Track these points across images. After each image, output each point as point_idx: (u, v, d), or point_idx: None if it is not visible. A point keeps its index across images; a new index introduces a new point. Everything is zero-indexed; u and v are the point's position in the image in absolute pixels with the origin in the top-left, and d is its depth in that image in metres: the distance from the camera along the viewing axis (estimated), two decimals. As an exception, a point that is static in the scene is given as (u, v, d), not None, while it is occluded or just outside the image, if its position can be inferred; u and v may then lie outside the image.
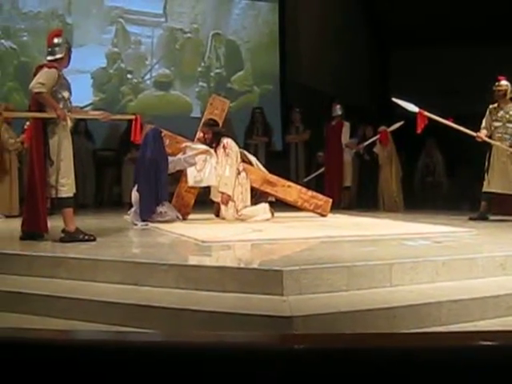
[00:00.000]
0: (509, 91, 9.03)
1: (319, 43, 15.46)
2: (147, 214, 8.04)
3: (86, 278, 5.18)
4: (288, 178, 10.07)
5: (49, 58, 6.50)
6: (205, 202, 9.31)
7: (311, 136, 13.15)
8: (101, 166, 13.03)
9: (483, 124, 9.10)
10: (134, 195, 8.25)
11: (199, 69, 14.66)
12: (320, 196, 9.23)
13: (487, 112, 9.15)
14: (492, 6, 14.02)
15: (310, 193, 9.15)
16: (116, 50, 13.95)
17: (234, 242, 6.31)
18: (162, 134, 8.54)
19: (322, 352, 1.53)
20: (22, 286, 5.14)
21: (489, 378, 1.48)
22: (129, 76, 14.09)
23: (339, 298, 4.49)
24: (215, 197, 8.76)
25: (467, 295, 4.62)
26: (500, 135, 9.01)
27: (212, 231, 7.17)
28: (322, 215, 9.01)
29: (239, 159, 8.75)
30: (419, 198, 12.85)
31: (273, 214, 8.74)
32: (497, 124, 9.04)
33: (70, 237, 6.29)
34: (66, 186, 6.36)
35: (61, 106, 6.31)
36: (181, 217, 8.46)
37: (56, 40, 6.55)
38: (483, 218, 8.88)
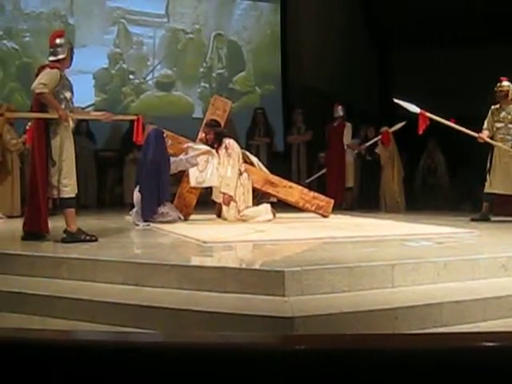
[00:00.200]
0: (511, 92, 9.03)
1: (321, 44, 15.46)
2: (149, 214, 8.04)
3: (87, 279, 5.19)
4: (290, 179, 10.07)
5: (51, 58, 6.51)
6: (206, 202, 9.31)
7: (313, 137, 13.15)
8: (102, 166, 13.04)
9: (485, 125, 9.10)
10: (136, 196, 8.25)
11: (201, 69, 14.66)
12: (322, 197, 9.23)
13: (489, 113, 9.14)
14: (494, 6, 14.02)
15: (311, 193, 9.15)
16: (118, 50, 13.95)
17: (235, 243, 6.31)
18: (164, 135, 8.54)
19: (324, 353, 1.53)
20: (23, 286, 5.14)
21: (491, 379, 1.47)
22: (131, 76, 14.09)
23: (341, 299, 4.48)
24: (217, 197, 8.75)
25: (469, 296, 4.62)
26: (502, 136, 9.00)
27: (214, 232, 7.16)
28: (324, 216, 9.01)
29: (241, 160, 8.75)
30: (421, 199, 12.83)
31: (274, 215, 8.74)
32: (499, 125, 9.04)
33: (71, 237, 6.30)
34: (69, 187, 6.36)
35: (63, 106, 6.32)
36: (182, 217, 8.46)
37: (58, 40, 6.55)
38: (485, 218, 8.87)
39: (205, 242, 6.12)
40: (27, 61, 12.91)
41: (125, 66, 14.00)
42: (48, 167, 6.29)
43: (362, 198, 12.17)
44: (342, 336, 2.41)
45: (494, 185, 8.93)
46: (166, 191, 8.27)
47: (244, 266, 5.14)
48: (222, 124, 8.97)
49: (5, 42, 13.11)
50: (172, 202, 8.57)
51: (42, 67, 6.44)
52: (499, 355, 1.51)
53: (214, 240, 6.26)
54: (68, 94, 6.45)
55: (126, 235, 7.42)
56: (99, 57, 13.55)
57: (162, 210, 8.11)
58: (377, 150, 11.61)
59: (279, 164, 12.14)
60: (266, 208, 8.74)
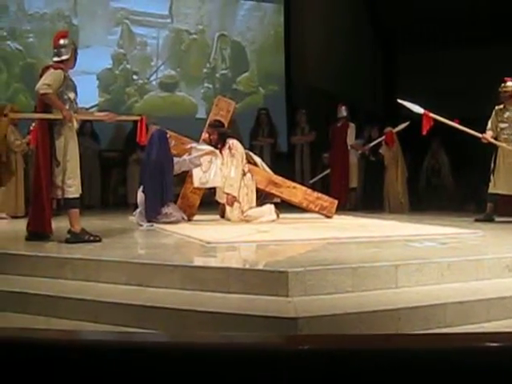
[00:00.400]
0: (515, 92, 9.02)
1: (325, 44, 15.46)
2: (152, 214, 8.04)
3: (91, 279, 5.19)
4: (293, 179, 10.06)
5: (55, 59, 6.52)
6: (210, 203, 9.31)
7: (317, 137, 13.14)
8: (106, 166, 13.05)
9: (489, 125, 9.08)
10: (140, 196, 8.25)
11: (205, 70, 14.67)
12: (325, 197, 9.22)
13: (493, 113, 9.12)
14: (499, 6, 14.00)
15: (315, 194, 9.15)
16: (122, 51, 13.97)
17: (239, 243, 6.30)
18: (168, 135, 8.54)
19: (327, 353, 1.53)
20: (27, 286, 5.15)
21: (495, 380, 1.47)
22: (134, 77, 14.10)
23: (344, 300, 4.48)
24: (220, 198, 8.75)
25: (473, 297, 4.61)
26: (506, 136, 8.99)
27: (217, 232, 7.16)
28: (328, 216, 9.00)
29: (244, 160, 8.74)
30: (425, 200, 12.82)
31: (278, 216, 8.74)
32: (503, 125, 9.03)
33: (75, 237, 6.30)
34: (73, 187, 6.37)
35: (67, 107, 6.32)
36: (186, 218, 8.46)
37: (62, 41, 6.56)
38: (489, 219, 8.86)
39: (208, 243, 6.12)
40: (31, 61, 12.93)
41: (128, 66, 14.01)
42: (52, 168, 6.29)
43: (366, 199, 12.17)
44: (346, 336, 2.41)
45: (498, 185, 8.92)
46: (170, 192, 8.27)
47: (247, 266, 5.14)
48: (226, 124, 8.97)
49: (9, 42, 13.13)
50: (175, 202, 8.57)
51: (46, 68, 6.45)
52: (503, 356, 1.51)
53: (218, 240, 6.26)
54: (72, 95, 6.46)
55: (130, 235, 7.42)
56: (103, 57, 13.57)
57: (165, 210, 8.11)
58: (381, 151, 11.60)
59: (283, 164, 12.13)
60: (269, 208, 8.74)
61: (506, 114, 9.02)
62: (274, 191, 8.93)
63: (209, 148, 8.55)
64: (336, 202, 9.19)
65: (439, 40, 15.42)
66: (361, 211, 10.99)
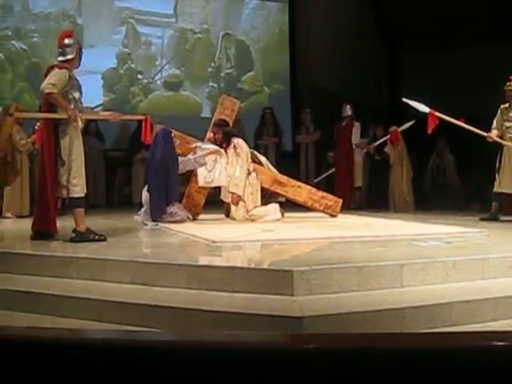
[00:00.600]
0: (520, 91, 9.00)
1: (329, 43, 15.45)
2: (157, 214, 8.05)
3: (96, 278, 5.20)
4: (298, 179, 10.06)
5: (60, 58, 6.52)
6: (215, 202, 9.31)
7: (321, 136, 13.14)
8: (111, 166, 13.06)
9: (494, 124, 9.07)
10: (145, 195, 8.26)
11: (209, 69, 14.67)
12: (330, 196, 9.21)
13: (498, 112, 9.11)
14: (503, 5, 13.97)
15: (320, 193, 9.14)
16: (126, 50, 13.98)
17: (244, 243, 6.30)
18: (172, 135, 8.54)
19: (332, 352, 1.52)
20: (32, 285, 5.16)
21: (501, 379, 1.47)
22: (139, 76, 14.11)
23: (349, 299, 4.48)
24: (225, 197, 8.75)
25: (478, 296, 4.61)
26: (511, 135, 8.97)
27: (222, 231, 7.17)
28: (332, 216, 8.99)
29: (249, 159, 8.74)
30: (430, 199, 12.80)
31: (283, 215, 8.73)
32: (508, 124, 9.01)
33: (80, 237, 6.31)
34: (78, 186, 6.38)
35: (72, 106, 6.33)
36: (191, 217, 8.46)
37: (67, 41, 6.57)
38: (494, 218, 8.85)
39: (213, 242, 6.13)
40: (36, 61, 12.95)
41: (133, 65, 14.02)
42: (57, 167, 6.30)
43: (371, 198, 12.15)
44: (351, 335, 2.40)
45: (504, 184, 8.90)
46: (175, 191, 8.27)
47: (252, 265, 5.14)
48: (231, 124, 8.97)
49: (13, 42, 13.15)
50: (180, 201, 8.57)
51: (51, 67, 6.46)
52: (510, 354, 1.50)
53: (223, 240, 6.26)
54: (77, 94, 6.46)
55: (135, 235, 7.43)
56: (108, 57, 13.58)
57: (170, 209, 8.11)
58: (386, 150, 11.59)
59: (288, 163, 12.13)
60: (274, 208, 8.73)
61: (511, 113, 9.01)
62: (278, 190, 8.92)
63: (214, 147, 8.55)
64: (341, 201, 9.18)
65: (444, 39, 15.40)
66: (365, 210, 10.99)
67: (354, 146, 12.00)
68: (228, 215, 8.82)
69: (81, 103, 6.55)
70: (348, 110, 12.08)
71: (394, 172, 11.37)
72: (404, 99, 8.92)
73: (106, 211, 11.09)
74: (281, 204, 8.96)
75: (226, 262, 5.41)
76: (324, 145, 12.98)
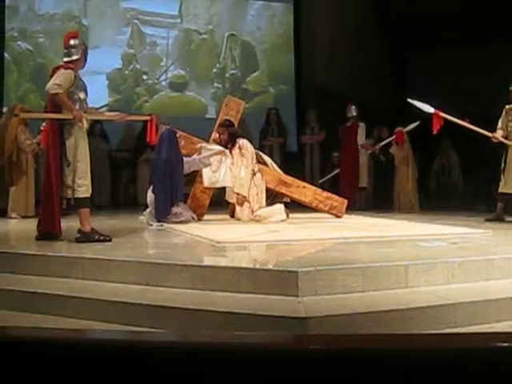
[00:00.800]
0: (525, 92, 8.98)
1: (334, 44, 15.44)
2: (162, 214, 8.05)
3: (101, 279, 5.20)
4: (303, 179, 10.06)
5: (65, 59, 6.53)
6: (220, 202, 9.32)
7: (326, 137, 13.15)
8: (116, 166, 13.08)
9: (499, 125, 9.05)
10: (150, 196, 8.26)
11: (214, 70, 14.69)
12: (335, 197, 9.21)
13: (503, 112, 9.09)
14: (509, 5, 13.94)
15: (325, 194, 9.14)
16: (131, 51, 14.01)
17: (249, 243, 6.30)
18: (178, 135, 8.55)
19: (337, 353, 1.52)
20: (37, 285, 5.16)
21: (505, 380, 1.47)
22: (144, 77, 14.14)
23: (354, 299, 4.47)
24: (230, 197, 8.76)
25: (483, 297, 4.59)
26: (516, 136, 8.96)
27: (227, 232, 7.17)
28: (338, 216, 8.99)
29: (254, 160, 8.74)
30: (435, 199, 12.79)
31: (288, 215, 8.73)
32: (513, 124, 9.00)
33: (85, 237, 6.32)
34: (83, 187, 6.38)
35: (77, 107, 6.34)
36: (196, 217, 8.47)
37: (72, 41, 6.58)
38: (499, 219, 8.84)
39: (218, 242, 6.13)
40: (41, 61, 12.99)
41: (138, 66, 14.05)
42: (63, 167, 6.31)
43: (376, 198, 12.15)
44: (356, 336, 2.40)
45: (509, 185, 8.88)
46: (180, 191, 8.27)
47: (257, 266, 5.14)
48: (236, 124, 8.98)
49: (19, 42, 13.20)
50: (185, 202, 8.57)
51: (57, 68, 6.47)
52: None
53: (228, 240, 6.26)
54: (82, 95, 6.47)
55: (140, 235, 7.44)
56: (113, 57, 13.61)
57: (175, 210, 8.12)
58: (391, 150, 11.59)
59: (293, 164, 12.13)
60: (279, 208, 8.72)
61: (516, 114, 9.00)
62: (283, 191, 8.92)
63: (218, 148, 8.55)
64: (346, 201, 9.18)
65: (449, 39, 15.37)
66: (370, 211, 10.98)
67: (359, 147, 12.00)
68: (233, 216, 8.82)
69: (86, 104, 6.56)
70: (353, 111, 12.09)
71: (399, 172, 11.37)
72: (409, 100, 8.92)
73: (111, 212, 11.10)
74: (286, 204, 8.95)
75: (230, 263, 5.41)
76: (329, 145, 12.98)
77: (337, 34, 15.48)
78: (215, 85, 14.65)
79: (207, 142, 8.84)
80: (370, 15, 16.81)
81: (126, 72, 13.98)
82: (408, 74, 17.06)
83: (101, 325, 4.47)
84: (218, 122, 9.06)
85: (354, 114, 12.08)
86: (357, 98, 12.69)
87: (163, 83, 14.34)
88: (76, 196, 6.38)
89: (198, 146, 8.63)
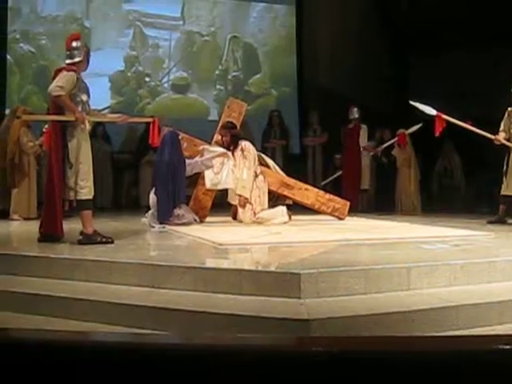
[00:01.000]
0: (527, 94, 8.98)
1: (336, 46, 15.44)
2: (165, 216, 8.06)
3: (103, 280, 5.20)
4: (305, 181, 10.04)
5: (67, 61, 6.54)
6: (222, 204, 9.32)
7: (329, 139, 13.15)
8: (118, 168, 13.09)
9: (501, 127, 9.04)
10: (152, 198, 8.27)
11: (216, 72, 14.70)
12: (338, 199, 9.21)
13: (505, 114, 9.08)
14: (509, 8, 13.94)
15: (327, 196, 9.14)
16: (134, 53, 14.03)
17: (251, 245, 6.29)
18: (180, 137, 8.55)
19: (340, 354, 1.52)
20: (39, 287, 5.16)
21: (507, 382, 1.47)
22: (146, 79, 14.16)
23: (357, 302, 4.47)
24: (233, 199, 8.76)
25: (485, 299, 4.59)
26: (518, 138, 8.96)
27: (229, 234, 7.17)
28: (340, 218, 8.99)
29: (257, 162, 8.74)
30: (437, 201, 12.79)
31: (290, 217, 8.73)
32: (515, 127, 8.99)
33: (87, 239, 6.32)
34: (86, 189, 6.38)
35: (79, 109, 6.34)
36: (198, 219, 8.47)
37: (74, 43, 6.58)
38: (501, 221, 8.83)
39: (220, 244, 6.13)
40: (44, 64, 13.00)
41: (141, 68, 14.07)
42: (65, 169, 6.31)
43: (378, 200, 12.15)
44: (358, 338, 2.40)
45: (511, 187, 8.87)
46: (182, 193, 8.28)
47: (260, 268, 5.14)
48: (238, 126, 8.98)
49: (21, 45, 13.21)
50: (188, 204, 8.58)
51: (59, 70, 6.48)
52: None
53: (230, 242, 6.26)
54: (84, 97, 6.48)
55: (142, 237, 7.44)
56: (115, 59, 13.62)
57: (177, 212, 8.12)
58: (393, 152, 11.59)
59: (295, 166, 12.13)
60: (281, 210, 8.73)
61: (519, 116, 8.99)
62: (286, 193, 8.92)
63: (221, 150, 8.56)
64: (348, 203, 9.18)
65: (451, 41, 15.36)
66: (373, 213, 10.98)
67: (361, 149, 12.00)
68: (235, 218, 8.82)
69: (88, 106, 6.57)
70: (355, 113, 12.09)
71: (401, 174, 11.37)
72: (411, 102, 8.92)
73: (114, 214, 11.11)
74: (288, 207, 8.96)
75: (233, 265, 5.41)
76: (331, 147, 12.98)
77: (339, 37, 15.48)
78: (217, 87, 14.66)
79: (209, 144, 8.85)
80: (373, 17, 16.81)
81: (129, 74, 14.00)
82: (410, 77, 17.05)
83: (104, 327, 4.48)
84: (220, 123, 9.07)
85: (356, 116, 12.08)
86: (359, 100, 12.69)
87: (165, 85, 14.36)
88: (78, 198, 6.38)
89: (201, 147, 8.64)
